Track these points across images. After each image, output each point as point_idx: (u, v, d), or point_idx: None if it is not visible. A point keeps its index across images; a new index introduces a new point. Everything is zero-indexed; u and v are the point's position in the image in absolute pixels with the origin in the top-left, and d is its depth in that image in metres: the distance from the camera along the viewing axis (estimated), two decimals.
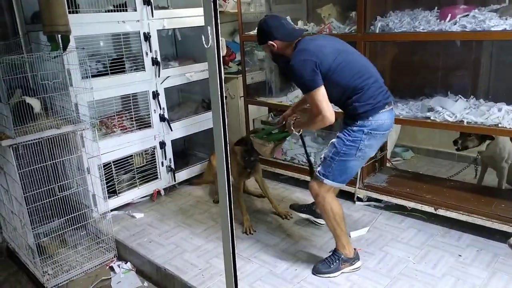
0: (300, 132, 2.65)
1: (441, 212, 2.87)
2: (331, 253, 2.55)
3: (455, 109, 2.76)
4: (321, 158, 2.54)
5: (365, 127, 2.29)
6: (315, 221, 3.00)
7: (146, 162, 3.56)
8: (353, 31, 3.05)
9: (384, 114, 2.31)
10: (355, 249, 2.54)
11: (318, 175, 2.40)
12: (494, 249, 2.65)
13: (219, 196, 1.73)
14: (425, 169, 3.87)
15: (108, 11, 3.15)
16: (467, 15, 2.62)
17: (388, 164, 3.66)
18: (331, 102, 2.33)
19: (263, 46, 2.47)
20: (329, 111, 2.24)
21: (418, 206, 2.98)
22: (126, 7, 3.23)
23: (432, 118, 2.80)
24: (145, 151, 3.52)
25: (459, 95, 2.91)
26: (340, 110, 2.46)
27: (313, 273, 2.52)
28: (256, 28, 2.49)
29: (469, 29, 2.56)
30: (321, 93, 2.23)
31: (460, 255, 2.61)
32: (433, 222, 2.97)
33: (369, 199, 3.29)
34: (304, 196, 3.43)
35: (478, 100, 2.88)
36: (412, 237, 2.83)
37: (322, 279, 2.48)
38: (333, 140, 2.42)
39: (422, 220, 3.01)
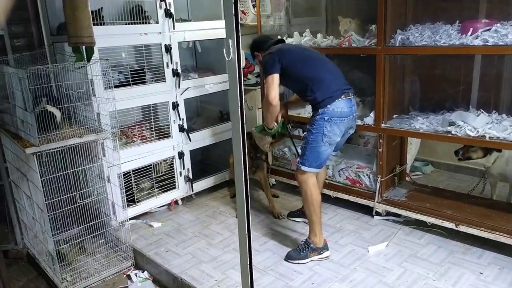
0: (279, 126, 3.05)
1: (462, 228, 2.81)
2: (303, 242, 2.80)
3: (477, 124, 2.72)
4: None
5: (325, 114, 2.63)
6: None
7: (165, 171, 3.60)
8: (372, 44, 3.05)
9: (340, 102, 2.65)
10: (325, 240, 2.79)
11: (298, 164, 2.76)
12: None
13: (237, 207, 1.74)
14: (445, 184, 3.81)
15: (131, 23, 3.23)
16: (489, 29, 2.59)
17: (407, 178, 3.61)
18: (295, 91, 2.99)
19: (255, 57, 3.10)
20: (273, 94, 2.67)
21: (439, 222, 2.93)
22: (148, 19, 3.30)
23: (453, 132, 2.76)
24: (164, 160, 3.56)
25: (481, 110, 2.87)
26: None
27: (285, 260, 2.78)
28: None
29: (491, 43, 2.53)
30: (274, 79, 2.69)
31: (481, 273, 2.55)
32: (453, 239, 2.91)
33: (388, 213, 3.25)
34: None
35: (500, 115, 2.84)
36: (432, 254, 2.78)
37: None
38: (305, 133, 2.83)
39: (442, 236, 2.96)
